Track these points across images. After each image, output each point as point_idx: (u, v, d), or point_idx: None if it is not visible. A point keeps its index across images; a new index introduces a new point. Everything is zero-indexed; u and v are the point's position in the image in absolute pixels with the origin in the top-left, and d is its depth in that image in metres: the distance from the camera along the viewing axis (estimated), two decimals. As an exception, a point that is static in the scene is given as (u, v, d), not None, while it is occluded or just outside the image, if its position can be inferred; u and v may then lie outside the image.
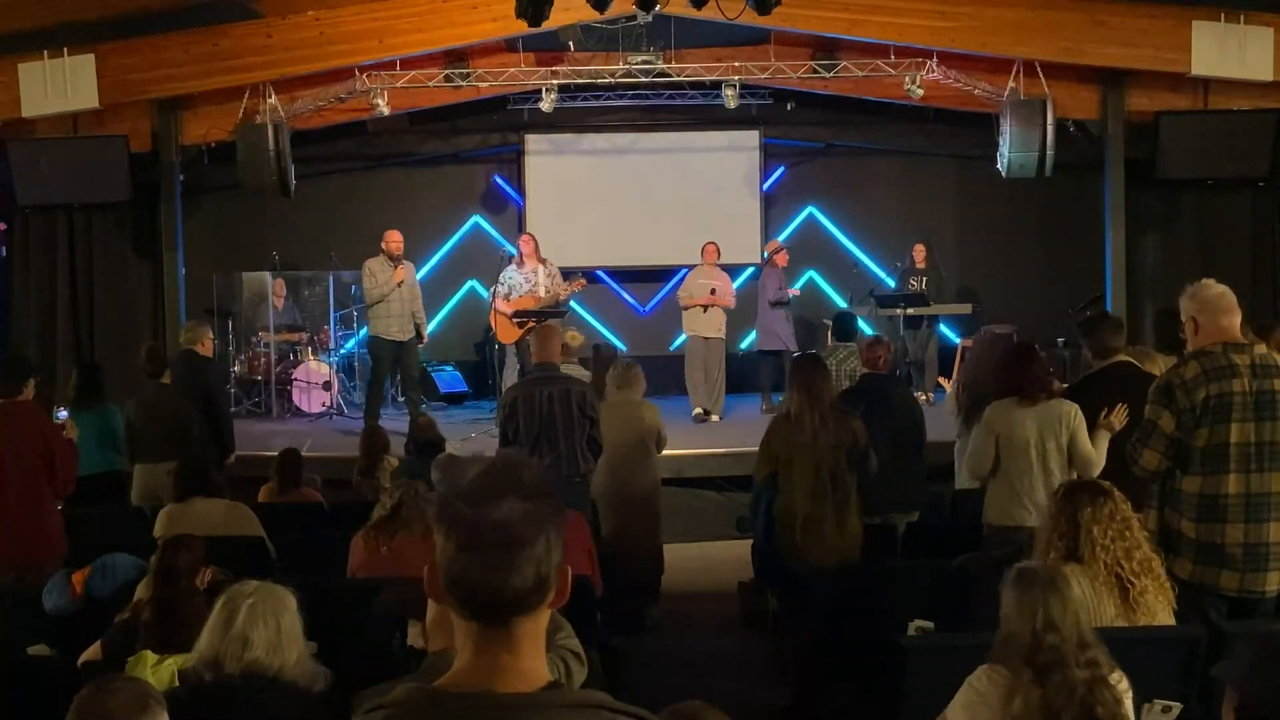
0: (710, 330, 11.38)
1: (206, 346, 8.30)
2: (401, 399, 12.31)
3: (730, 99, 11.38)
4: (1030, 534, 5.15)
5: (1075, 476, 5.28)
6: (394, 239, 10.46)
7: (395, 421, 11.12)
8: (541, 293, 10.73)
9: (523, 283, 10.81)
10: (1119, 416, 5.31)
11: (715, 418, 11.29)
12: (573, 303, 12.13)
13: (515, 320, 10.77)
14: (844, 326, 8.02)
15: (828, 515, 5.70)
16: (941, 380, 9.51)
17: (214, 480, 6.48)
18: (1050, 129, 10.44)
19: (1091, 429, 5.41)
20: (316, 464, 8.83)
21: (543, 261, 10.89)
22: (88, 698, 2.73)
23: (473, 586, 1.65)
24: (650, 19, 9.15)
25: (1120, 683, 3.13)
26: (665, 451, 8.13)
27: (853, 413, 5.85)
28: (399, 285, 10.28)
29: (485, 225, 13.60)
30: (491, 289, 12.13)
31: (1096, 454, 5.33)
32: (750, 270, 13.59)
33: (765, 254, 12.33)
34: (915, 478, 6.70)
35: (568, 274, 11.10)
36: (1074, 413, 5.36)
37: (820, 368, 6.06)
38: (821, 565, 5.58)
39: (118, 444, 7.83)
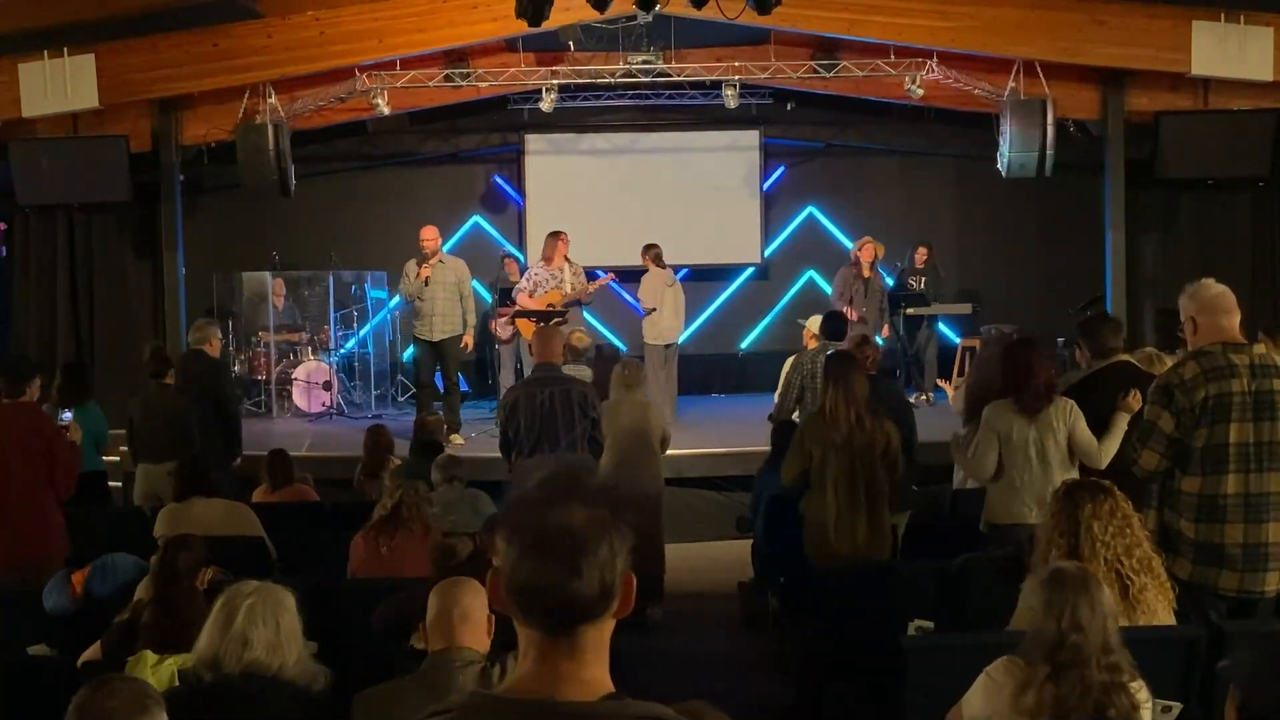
0: None
1: (215, 347, 8.17)
2: (403, 399, 12.33)
3: (730, 99, 11.38)
4: (1031, 531, 5.17)
5: (1077, 471, 5.29)
6: (423, 236, 10.20)
7: (396, 422, 11.13)
8: (567, 289, 10.78)
9: (548, 279, 10.81)
10: (1135, 399, 5.22)
11: None
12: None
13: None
14: (835, 326, 8.01)
15: (861, 515, 5.67)
16: (940, 382, 9.45)
17: (218, 481, 6.47)
18: (1050, 129, 10.44)
19: (1091, 429, 5.40)
20: (317, 464, 8.84)
21: (568, 261, 10.93)
22: (86, 698, 2.73)
23: (536, 593, 1.64)
24: (650, 19, 9.16)
25: (1140, 692, 3.10)
26: (665, 451, 8.11)
27: (884, 412, 5.83)
28: (425, 284, 10.05)
29: (485, 225, 13.61)
30: (493, 286, 12.16)
31: (1109, 442, 5.31)
32: (750, 270, 13.62)
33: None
34: (907, 478, 6.68)
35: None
36: (1070, 407, 5.34)
37: (854, 364, 6.02)
38: (852, 565, 5.55)
39: (100, 444, 7.83)
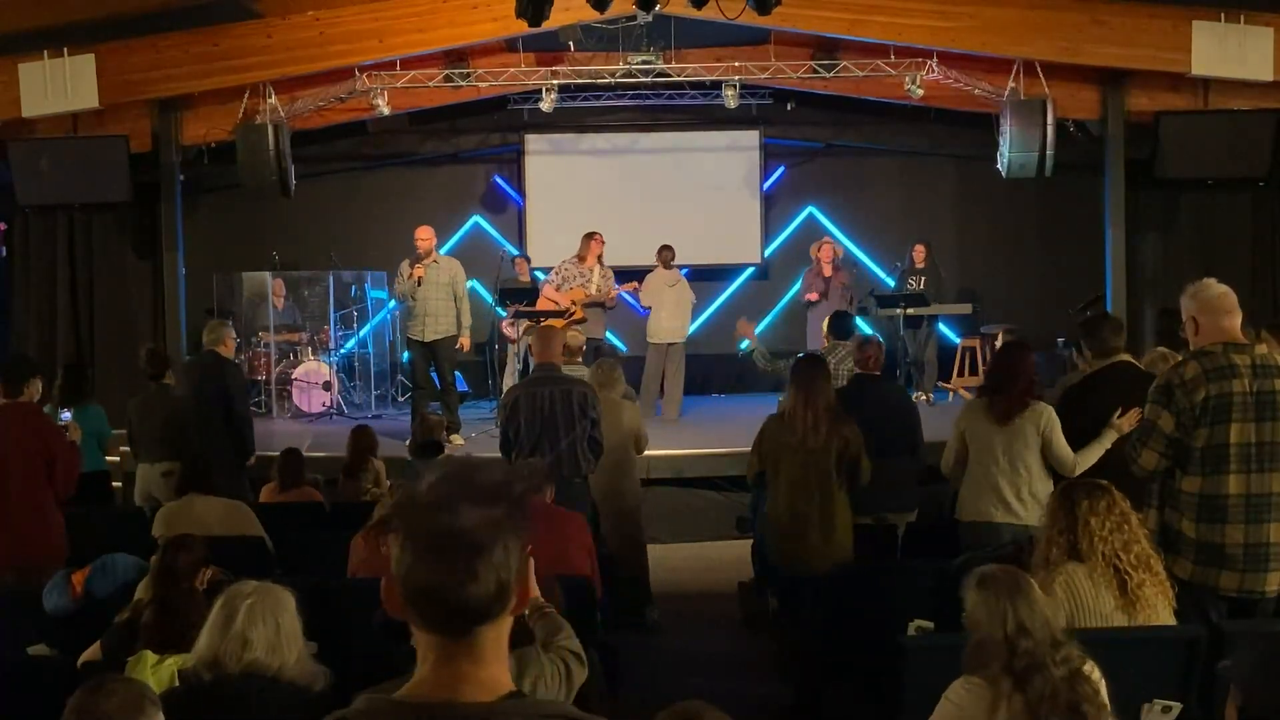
0: None
1: (229, 347, 8.15)
2: (403, 399, 12.32)
3: (730, 99, 11.38)
4: (1002, 530, 5.19)
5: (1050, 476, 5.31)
6: (418, 235, 10.14)
7: (396, 422, 11.14)
8: (592, 289, 10.90)
9: (576, 276, 10.97)
10: (1130, 420, 5.22)
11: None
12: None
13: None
14: (842, 325, 8.02)
15: (812, 518, 5.69)
16: (944, 384, 9.43)
17: (231, 482, 6.49)
18: (1050, 129, 10.44)
19: (1092, 427, 5.40)
20: (316, 464, 8.83)
21: (600, 263, 11.10)
22: (82, 699, 2.72)
23: (432, 597, 1.62)
24: (650, 19, 9.15)
25: (1093, 672, 3.13)
26: (665, 451, 8.14)
27: (847, 417, 5.83)
28: (418, 284, 9.98)
29: (485, 225, 13.61)
30: (495, 286, 12.16)
31: (1090, 452, 5.33)
32: (750, 270, 13.63)
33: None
34: (909, 479, 6.68)
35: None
36: (1047, 415, 5.36)
37: (822, 369, 6.02)
38: (807, 568, 5.57)
39: (103, 444, 7.81)
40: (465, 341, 10.28)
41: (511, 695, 1.67)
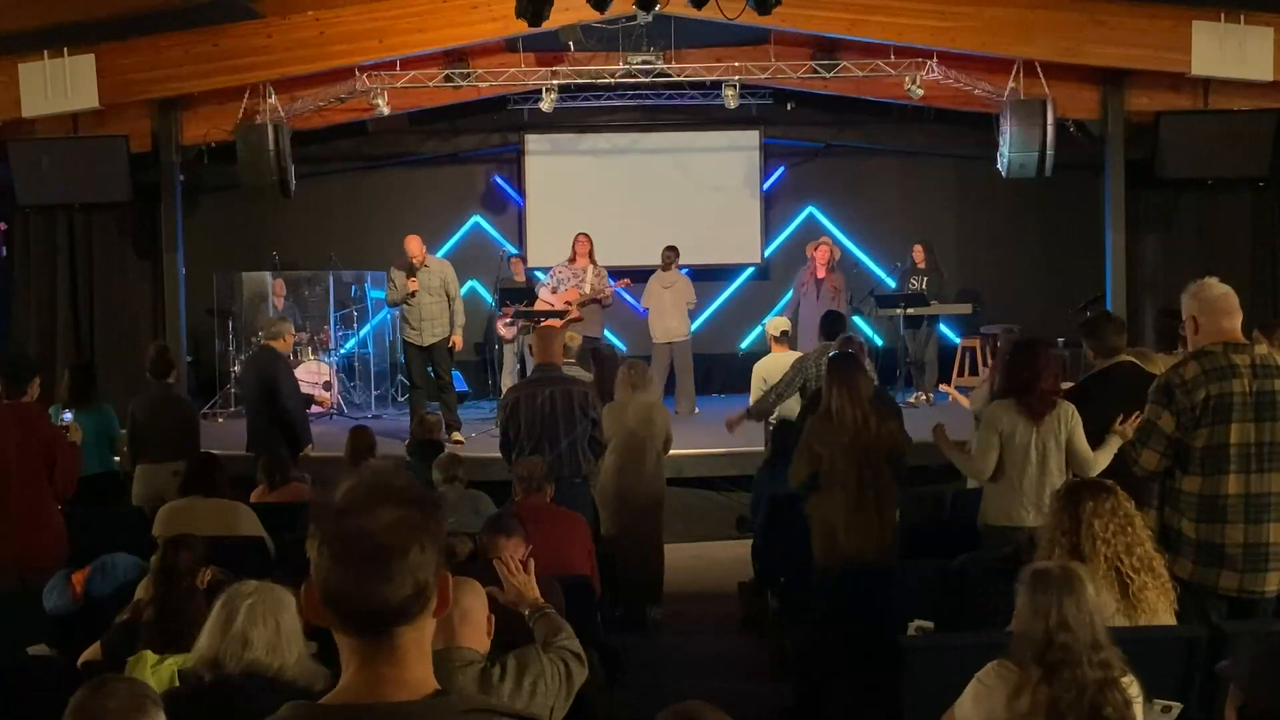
0: None
1: (287, 343, 8.28)
2: (403, 399, 12.32)
3: (730, 99, 11.38)
4: (1029, 533, 5.14)
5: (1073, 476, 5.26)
6: (408, 247, 10.16)
7: (396, 422, 11.14)
8: (586, 289, 10.97)
9: (570, 278, 11.06)
10: (1133, 424, 5.13)
11: None
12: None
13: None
14: (832, 326, 8.05)
15: (871, 515, 5.62)
16: (944, 386, 9.41)
17: (288, 475, 6.90)
18: (1050, 129, 10.43)
19: (1095, 428, 5.39)
20: (317, 464, 8.82)
21: (593, 261, 11.18)
22: (84, 698, 2.72)
23: (349, 599, 1.64)
24: (650, 19, 9.15)
25: (1131, 686, 3.10)
26: (668, 452, 8.10)
27: (890, 412, 5.81)
28: (412, 294, 10.03)
29: (485, 225, 13.62)
30: (495, 286, 12.20)
31: (1101, 455, 5.31)
32: (750, 270, 13.63)
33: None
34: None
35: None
36: (1071, 412, 5.32)
37: (858, 366, 5.98)
38: (862, 565, 5.51)
39: (113, 445, 7.82)
40: (457, 340, 10.32)
41: (437, 693, 1.68)
